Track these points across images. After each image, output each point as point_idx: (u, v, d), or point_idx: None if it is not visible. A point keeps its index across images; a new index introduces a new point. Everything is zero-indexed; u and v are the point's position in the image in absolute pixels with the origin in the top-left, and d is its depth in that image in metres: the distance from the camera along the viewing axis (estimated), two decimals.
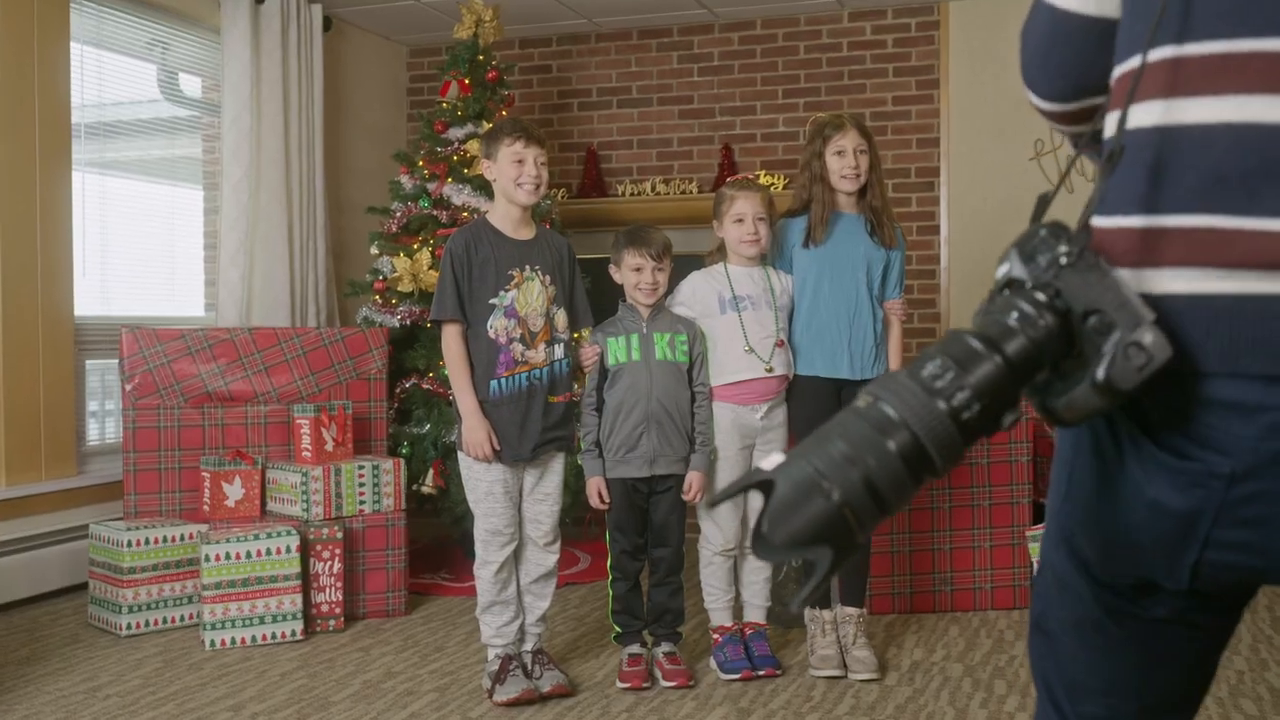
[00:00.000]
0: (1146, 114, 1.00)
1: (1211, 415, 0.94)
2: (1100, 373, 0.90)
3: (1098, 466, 1.03)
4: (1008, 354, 0.92)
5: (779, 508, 0.88)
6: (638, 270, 3.23)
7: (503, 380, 3.07)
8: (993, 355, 0.92)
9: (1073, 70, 1.13)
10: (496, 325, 3.06)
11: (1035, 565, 3.91)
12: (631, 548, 3.25)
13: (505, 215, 3.15)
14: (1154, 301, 0.94)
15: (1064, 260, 0.93)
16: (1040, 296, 0.93)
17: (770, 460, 0.91)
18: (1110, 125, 1.04)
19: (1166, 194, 0.97)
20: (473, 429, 3.03)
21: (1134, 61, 1.01)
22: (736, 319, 3.27)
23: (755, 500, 3.38)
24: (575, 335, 3.25)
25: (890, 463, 0.89)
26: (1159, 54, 1.00)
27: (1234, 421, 0.93)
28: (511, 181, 3.08)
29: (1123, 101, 0.99)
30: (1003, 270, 0.97)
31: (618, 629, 3.28)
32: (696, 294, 3.32)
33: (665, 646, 3.26)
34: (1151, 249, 0.97)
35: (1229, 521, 0.95)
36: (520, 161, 3.08)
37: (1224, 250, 0.93)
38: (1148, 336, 0.89)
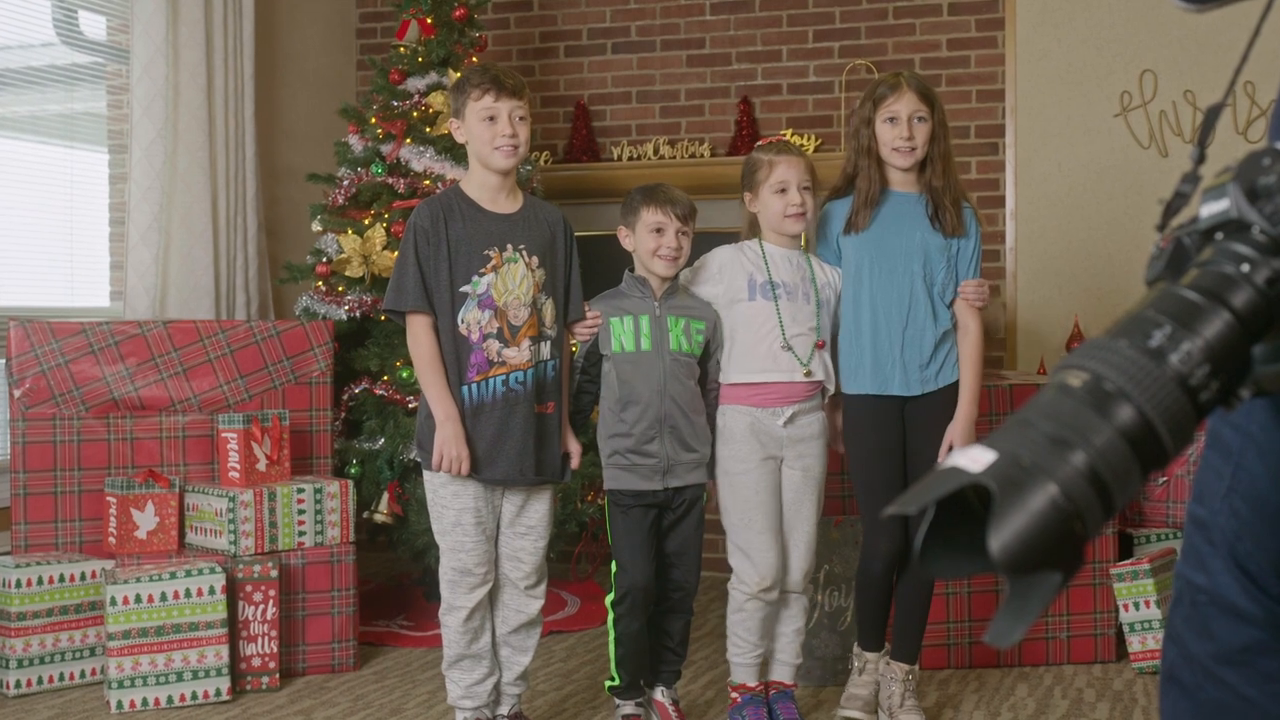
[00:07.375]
0: None
1: None
2: None
3: None
4: (1235, 307, 0.90)
5: (995, 519, 0.82)
6: (658, 231, 3.20)
7: (475, 385, 3.05)
8: (1218, 309, 0.90)
9: None
10: (468, 318, 3.05)
11: (1123, 608, 3.90)
12: (644, 580, 3.20)
13: (482, 184, 3.14)
14: None
15: None
16: (1263, 238, 0.92)
17: (970, 456, 0.85)
18: None
19: None
20: (447, 439, 3.01)
21: None
22: (772, 308, 3.24)
23: (791, 534, 3.29)
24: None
25: (1114, 445, 0.84)
26: None
27: None
28: (485, 144, 3.08)
29: None
30: (1215, 209, 0.96)
31: (617, 679, 3.25)
32: (724, 271, 3.31)
33: (666, 693, 3.27)
34: None
35: None
36: (492, 119, 3.07)
37: None
38: None
